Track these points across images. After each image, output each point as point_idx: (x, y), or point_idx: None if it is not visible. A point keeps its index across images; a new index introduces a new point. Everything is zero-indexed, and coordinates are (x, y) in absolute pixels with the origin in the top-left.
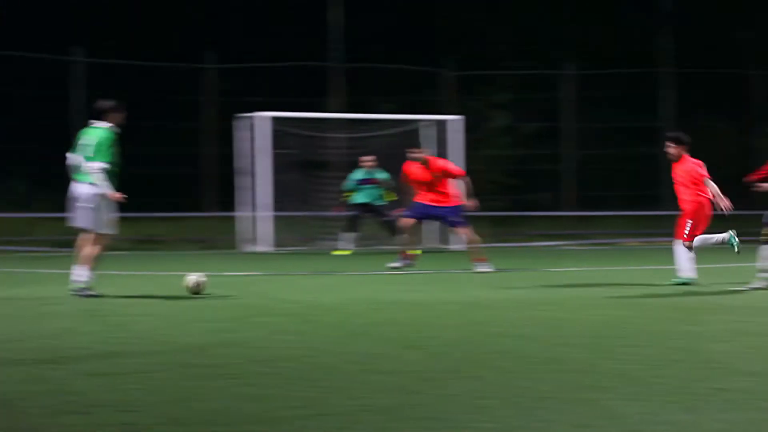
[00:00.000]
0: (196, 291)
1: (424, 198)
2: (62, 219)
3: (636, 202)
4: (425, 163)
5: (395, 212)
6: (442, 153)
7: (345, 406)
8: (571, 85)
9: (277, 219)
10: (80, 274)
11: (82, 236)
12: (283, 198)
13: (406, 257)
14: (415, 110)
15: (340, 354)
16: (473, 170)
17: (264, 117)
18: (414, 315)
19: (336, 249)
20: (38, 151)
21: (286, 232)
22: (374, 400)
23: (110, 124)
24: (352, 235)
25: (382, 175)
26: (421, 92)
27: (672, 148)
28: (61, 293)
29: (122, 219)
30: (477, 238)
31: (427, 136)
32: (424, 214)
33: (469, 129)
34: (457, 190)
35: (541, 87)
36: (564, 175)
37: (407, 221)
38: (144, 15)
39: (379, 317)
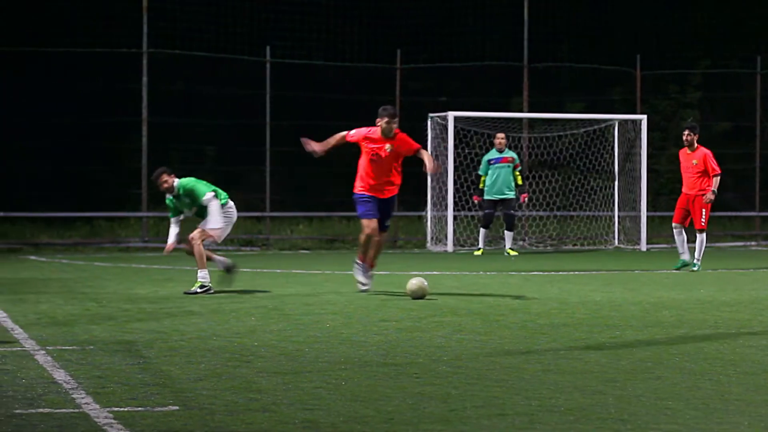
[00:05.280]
0: (420, 295)
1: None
2: (250, 218)
3: None
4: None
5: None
6: (629, 153)
7: (527, 406)
8: (759, 83)
9: (457, 218)
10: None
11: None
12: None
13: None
14: (604, 110)
15: (522, 354)
16: (659, 170)
17: (454, 116)
18: (596, 315)
19: (510, 249)
20: (226, 150)
21: (467, 231)
22: (556, 400)
23: None
24: (486, 232)
25: (513, 155)
26: (608, 92)
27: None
28: (246, 291)
29: (310, 219)
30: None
31: (613, 135)
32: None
33: (658, 128)
34: None
35: (730, 85)
36: (754, 174)
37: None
38: (333, 16)
39: (561, 317)
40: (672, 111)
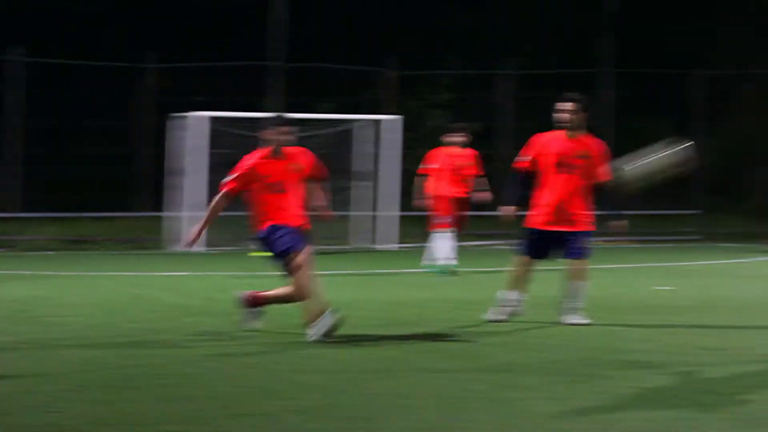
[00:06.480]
0: None
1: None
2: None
3: None
4: None
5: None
6: (380, 153)
7: (269, 407)
8: (510, 85)
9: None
10: None
11: None
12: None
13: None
14: (355, 110)
15: (269, 354)
16: (411, 170)
17: (199, 116)
18: (343, 314)
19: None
20: None
21: (218, 231)
22: (299, 400)
23: None
24: None
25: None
26: (361, 92)
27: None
28: None
29: (59, 219)
30: None
31: (365, 136)
32: None
33: (408, 128)
34: None
35: (480, 87)
36: (500, 174)
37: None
38: (83, 14)
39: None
40: (423, 111)
